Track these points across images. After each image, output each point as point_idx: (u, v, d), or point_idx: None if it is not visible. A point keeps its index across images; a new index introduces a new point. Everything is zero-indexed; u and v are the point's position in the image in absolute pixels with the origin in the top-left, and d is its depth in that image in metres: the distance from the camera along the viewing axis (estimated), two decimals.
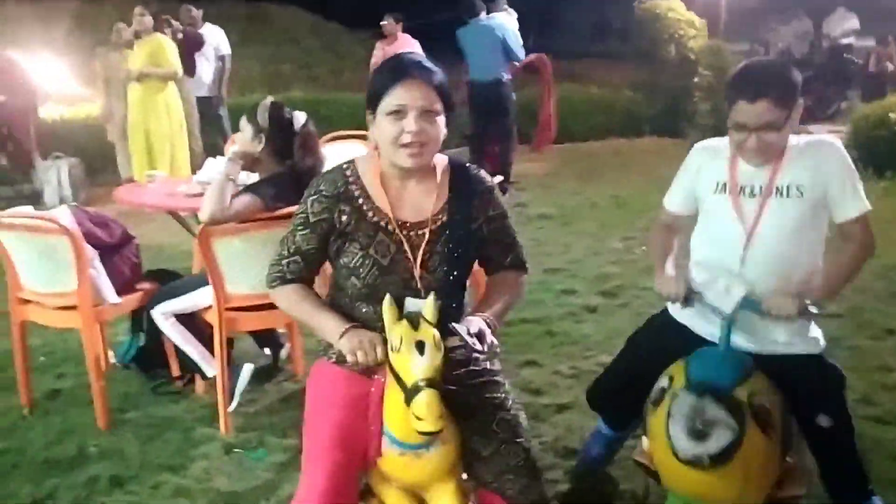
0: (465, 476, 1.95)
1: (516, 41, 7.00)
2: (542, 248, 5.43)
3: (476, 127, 7.33)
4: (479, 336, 1.66)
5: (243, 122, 2.94)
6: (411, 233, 1.80)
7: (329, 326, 1.77)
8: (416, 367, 1.63)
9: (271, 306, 2.97)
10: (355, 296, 1.82)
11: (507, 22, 7.12)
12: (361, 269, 1.78)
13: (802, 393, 2.05)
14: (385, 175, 1.81)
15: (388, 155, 1.76)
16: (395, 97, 1.71)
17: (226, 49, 7.76)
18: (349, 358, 1.68)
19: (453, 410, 1.78)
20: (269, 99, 3.01)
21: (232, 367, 3.17)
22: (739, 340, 2.07)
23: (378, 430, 1.77)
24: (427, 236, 1.79)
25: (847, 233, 2.08)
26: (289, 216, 2.82)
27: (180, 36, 7.16)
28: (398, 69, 1.74)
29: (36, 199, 6.87)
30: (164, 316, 3.03)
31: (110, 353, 3.58)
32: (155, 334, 3.19)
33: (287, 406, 3.16)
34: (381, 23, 7.81)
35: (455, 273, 1.82)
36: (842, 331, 3.74)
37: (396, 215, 1.79)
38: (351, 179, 1.81)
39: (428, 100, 1.71)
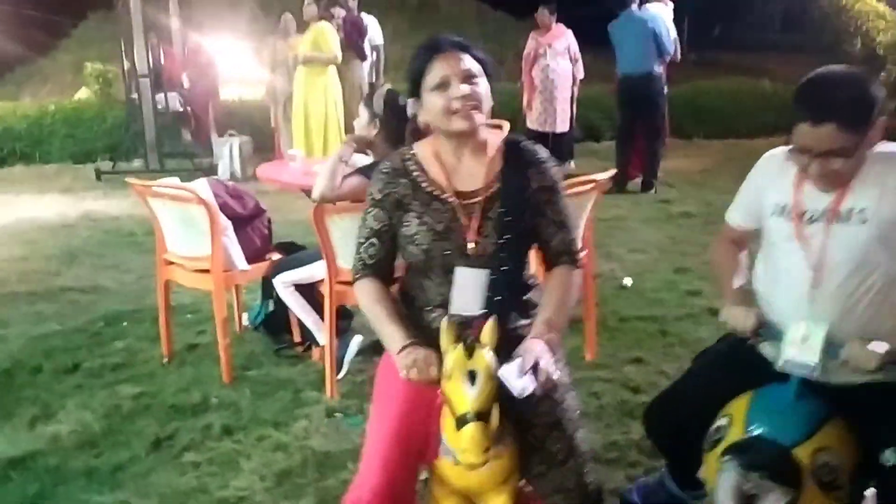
0: (523, 483, 2.00)
1: (667, 34, 6.78)
2: (678, 246, 5.27)
3: (623, 121, 7.18)
4: (536, 368, 1.65)
5: (361, 107, 3.11)
6: (465, 201, 1.85)
7: (392, 338, 1.80)
8: (465, 398, 1.64)
9: None
10: (415, 267, 1.90)
11: (661, 13, 6.91)
12: (417, 236, 1.85)
13: (871, 425, 1.80)
14: (440, 152, 1.89)
15: (443, 126, 1.83)
16: (436, 71, 1.80)
17: (379, 39, 8.09)
18: (402, 374, 1.71)
19: (510, 421, 1.80)
20: (386, 86, 3.17)
21: (343, 338, 3.39)
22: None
23: (437, 431, 1.81)
24: (481, 203, 1.84)
25: None
26: None
27: (341, 23, 7.54)
28: (432, 46, 1.83)
29: (212, 172, 7.54)
30: (283, 285, 3.28)
31: (244, 316, 3.93)
32: (282, 302, 3.47)
33: None
34: (536, 13, 7.81)
35: (508, 239, 1.85)
36: None
37: (451, 184, 1.87)
38: (408, 157, 1.92)
39: (466, 65, 1.79)
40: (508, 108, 9.46)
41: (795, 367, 1.81)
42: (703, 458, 1.94)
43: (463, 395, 1.66)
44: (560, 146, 8.06)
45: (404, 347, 1.75)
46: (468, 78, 1.79)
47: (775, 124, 9.80)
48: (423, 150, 1.93)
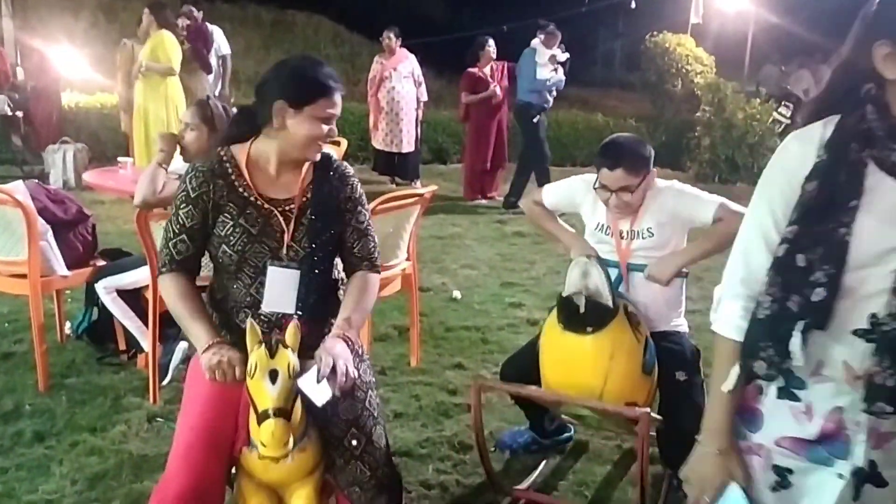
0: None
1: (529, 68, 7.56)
2: (507, 263, 5.61)
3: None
4: (334, 370, 1.81)
5: (193, 118, 3.15)
6: (278, 208, 1.97)
7: (199, 336, 1.86)
8: (266, 395, 1.75)
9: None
10: (225, 268, 1.97)
11: (537, 48, 7.60)
12: (232, 238, 1.93)
13: (665, 355, 2.47)
14: (260, 159, 1.99)
15: (297, 150, 1.95)
16: (330, 105, 1.93)
17: (225, 49, 8.01)
18: (207, 375, 1.80)
19: (313, 417, 1.93)
20: (214, 98, 3.25)
21: (168, 345, 3.40)
22: None
23: (245, 425, 1.89)
24: (294, 210, 1.97)
25: (720, 219, 2.45)
26: None
27: (184, 33, 7.43)
28: (335, 81, 1.95)
29: (43, 180, 7.17)
30: (106, 290, 3.26)
31: (67, 325, 3.83)
32: (106, 309, 3.43)
33: None
34: (381, 38, 8.07)
35: (318, 244, 1.99)
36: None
37: (267, 194, 1.97)
38: (225, 159, 1.98)
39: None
40: (357, 127, 9.70)
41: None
42: (542, 328, 2.53)
43: (264, 393, 1.76)
44: (406, 166, 8.34)
45: (209, 346, 1.83)
46: (332, 123, 1.96)
47: None
48: (239, 154, 1.99)
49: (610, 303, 2.29)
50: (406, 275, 3.60)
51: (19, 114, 8.07)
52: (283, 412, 1.75)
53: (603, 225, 2.62)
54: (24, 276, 3.18)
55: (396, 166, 8.34)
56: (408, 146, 8.15)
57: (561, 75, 7.57)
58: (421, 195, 3.41)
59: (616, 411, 2.29)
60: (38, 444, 2.83)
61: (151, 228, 3.00)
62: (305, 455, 1.93)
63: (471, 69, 7.63)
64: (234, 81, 9.17)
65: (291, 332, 1.84)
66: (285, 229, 1.96)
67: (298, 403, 1.87)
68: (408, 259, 3.58)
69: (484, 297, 4.79)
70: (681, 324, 2.66)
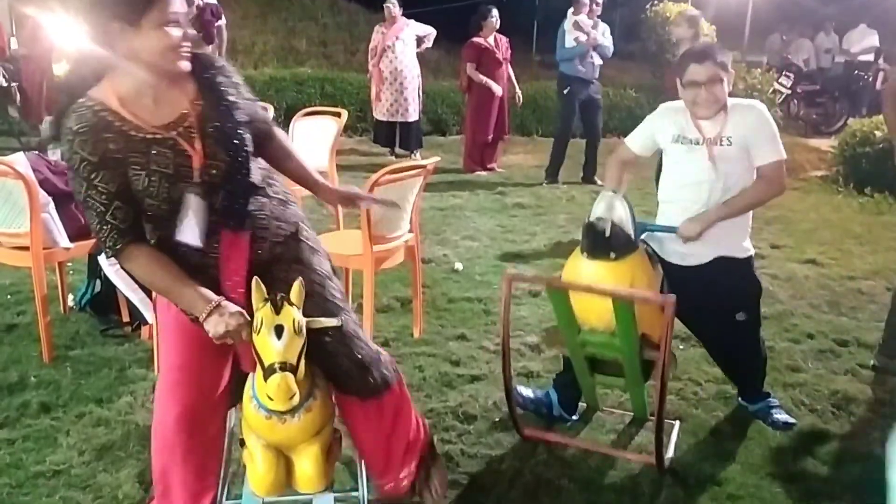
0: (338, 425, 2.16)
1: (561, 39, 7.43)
2: (508, 234, 5.61)
3: None
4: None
5: None
6: (176, 130, 1.80)
7: (193, 302, 1.81)
8: (272, 350, 1.79)
9: None
10: (158, 217, 1.82)
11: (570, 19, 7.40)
12: (151, 188, 1.77)
13: (730, 293, 2.75)
14: (131, 93, 1.78)
15: (160, 63, 1.75)
16: (169, 5, 1.72)
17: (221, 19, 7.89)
18: (215, 340, 1.80)
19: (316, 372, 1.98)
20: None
21: None
22: (692, 257, 2.75)
23: (231, 373, 1.95)
24: (195, 126, 1.80)
25: (761, 175, 2.68)
26: None
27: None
28: None
29: (42, 150, 7.12)
30: (109, 262, 3.25)
31: (70, 297, 3.83)
32: (109, 281, 3.42)
33: None
34: (385, 4, 7.99)
35: (235, 147, 1.85)
36: (763, 331, 3.87)
37: (159, 121, 1.79)
38: (98, 109, 1.74)
39: (187, 6, 1.82)
40: (356, 98, 9.64)
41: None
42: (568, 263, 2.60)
43: (270, 348, 1.81)
44: (409, 135, 8.31)
45: (212, 311, 1.81)
46: (184, 22, 1.77)
47: (608, 126, 10.51)
48: (108, 98, 1.76)
49: (632, 233, 2.42)
50: (409, 247, 3.59)
51: (14, 84, 8.00)
52: (289, 366, 1.80)
53: (683, 137, 2.74)
54: (26, 248, 3.18)
55: (399, 137, 8.31)
56: (413, 115, 8.13)
57: (594, 42, 7.23)
58: (423, 167, 3.39)
59: (642, 296, 2.42)
60: (44, 416, 2.85)
61: None
62: (311, 415, 1.97)
63: (475, 39, 7.56)
64: (230, 51, 9.10)
65: (296, 290, 1.87)
66: (192, 149, 1.79)
67: (303, 361, 1.90)
68: (410, 231, 3.58)
69: (485, 269, 4.79)
70: (748, 248, 2.81)
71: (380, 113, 8.22)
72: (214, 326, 1.81)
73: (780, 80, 10.94)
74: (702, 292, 2.65)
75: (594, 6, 7.34)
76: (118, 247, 1.80)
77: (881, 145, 6.98)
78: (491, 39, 7.59)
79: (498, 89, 7.58)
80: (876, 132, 7.16)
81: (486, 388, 3.22)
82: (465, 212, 6.23)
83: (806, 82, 11.62)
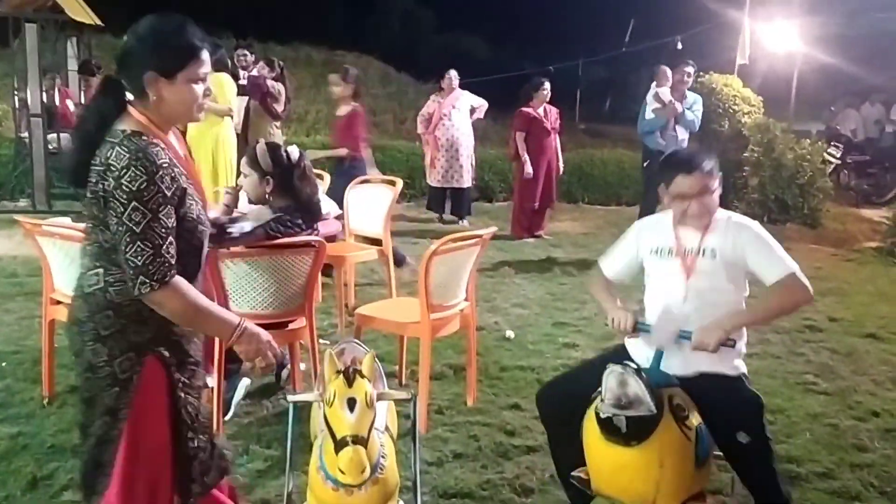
0: None
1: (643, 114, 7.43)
2: (557, 302, 5.59)
3: None
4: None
5: (246, 167, 3.28)
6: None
7: (223, 325, 1.91)
8: (345, 423, 1.84)
9: (271, 326, 3.30)
10: (195, 250, 1.96)
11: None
12: (202, 216, 1.96)
13: (723, 410, 2.38)
14: (160, 133, 1.92)
15: (188, 114, 1.95)
16: (201, 65, 1.91)
17: None
18: (246, 364, 1.92)
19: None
20: (262, 141, 3.37)
21: (231, 380, 3.46)
22: (672, 368, 2.43)
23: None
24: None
25: (780, 287, 2.41)
26: (291, 245, 3.16)
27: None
28: (200, 39, 1.92)
29: None
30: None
31: None
32: None
33: (278, 421, 3.41)
34: (445, 77, 8.26)
35: None
36: (826, 407, 3.79)
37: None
38: (151, 141, 1.85)
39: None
40: (405, 165, 9.84)
41: (654, 341, 2.44)
42: (585, 423, 2.32)
43: (343, 421, 1.83)
44: (461, 201, 8.47)
45: (242, 333, 1.89)
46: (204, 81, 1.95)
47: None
48: (148, 132, 1.87)
49: (653, 407, 2.11)
50: (465, 314, 3.61)
51: None
52: (361, 440, 1.82)
53: (664, 249, 2.54)
54: None
55: (451, 202, 8.49)
56: (466, 181, 8.36)
57: (674, 114, 7.16)
58: (481, 236, 3.44)
59: None
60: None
61: (220, 267, 3.08)
62: (378, 487, 1.97)
63: (525, 108, 7.71)
64: (287, 119, 9.40)
65: (368, 363, 1.90)
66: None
67: (374, 434, 1.92)
68: (466, 299, 3.61)
69: (537, 337, 4.77)
70: (739, 365, 2.50)
71: (433, 179, 8.43)
72: (246, 347, 1.90)
73: (828, 151, 10.87)
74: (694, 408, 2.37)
75: (685, 77, 7.27)
76: (167, 280, 1.80)
77: None
78: (541, 110, 7.73)
79: (529, 171, 7.63)
80: None
81: (542, 459, 3.17)
82: (514, 279, 6.25)
83: (856, 152, 11.54)
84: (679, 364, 2.44)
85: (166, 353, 1.89)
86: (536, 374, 4.14)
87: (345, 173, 5.61)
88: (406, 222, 8.49)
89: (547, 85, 7.71)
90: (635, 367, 2.16)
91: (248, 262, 3.10)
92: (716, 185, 2.45)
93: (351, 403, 1.85)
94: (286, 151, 3.37)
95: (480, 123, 8.73)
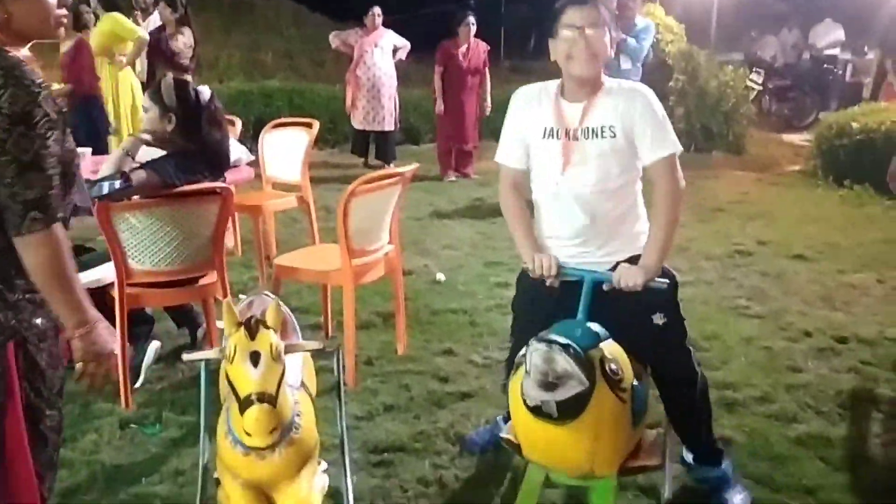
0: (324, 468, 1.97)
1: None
2: (489, 241, 5.45)
3: None
4: None
5: (147, 101, 2.95)
6: None
7: (77, 309, 1.57)
8: (249, 379, 1.64)
9: (178, 283, 3.05)
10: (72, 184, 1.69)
11: None
12: (74, 146, 1.66)
13: (638, 293, 2.09)
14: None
15: (39, 31, 1.65)
16: None
17: None
18: (76, 370, 1.59)
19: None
20: (170, 76, 3.03)
21: (139, 345, 3.20)
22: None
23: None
24: None
25: (652, 177, 2.16)
26: (194, 193, 2.89)
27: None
28: None
29: None
30: None
31: None
32: None
33: (193, 384, 3.16)
34: (368, 15, 7.86)
35: None
36: (759, 331, 3.77)
37: None
38: (23, 63, 1.58)
39: None
40: (327, 109, 9.45)
41: (587, 270, 2.13)
42: (509, 386, 2.07)
43: (246, 377, 1.64)
44: (386, 145, 8.16)
45: (89, 324, 1.59)
46: None
47: None
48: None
49: (584, 380, 1.84)
50: (389, 258, 3.41)
51: None
52: (268, 397, 1.63)
53: (553, 129, 2.17)
54: None
55: (376, 147, 8.16)
56: (389, 124, 7.99)
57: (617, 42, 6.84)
58: (401, 174, 3.22)
59: None
60: None
61: (114, 221, 2.79)
62: (294, 449, 1.80)
63: (445, 43, 7.43)
64: (196, 65, 8.86)
65: (272, 312, 1.71)
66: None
67: (286, 389, 1.74)
68: (390, 242, 3.40)
69: (468, 278, 4.62)
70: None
71: (356, 121, 8.07)
72: (87, 347, 1.57)
73: (750, 77, 10.93)
74: (612, 303, 2.11)
75: (630, 3, 6.49)
76: (57, 218, 1.55)
77: (858, 137, 6.95)
78: (464, 47, 7.43)
79: (440, 107, 7.44)
80: (853, 124, 7.12)
81: (477, 405, 3.04)
82: (443, 220, 6.07)
83: (776, 78, 11.65)
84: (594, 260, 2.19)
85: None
86: (469, 315, 4.00)
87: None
88: (330, 169, 8.16)
89: (471, 19, 7.39)
90: (562, 342, 1.85)
91: (147, 215, 2.81)
92: (608, 21, 2.13)
93: (254, 358, 1.65)
94: (195, 90, 3.05)
95: (402, 63, 8.38)
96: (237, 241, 4.93)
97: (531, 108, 2.23)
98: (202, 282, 3.07)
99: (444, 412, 3.01)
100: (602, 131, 2.12)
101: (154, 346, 3.26)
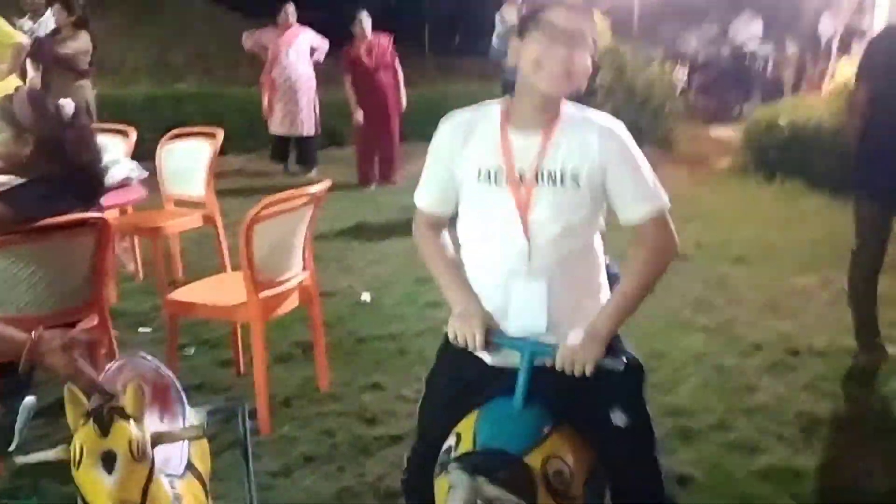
0: None
1: None
2: (418, 256, 5.08)
3: None
4: None
5: None
6: None
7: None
8: (102, 487, 1.26)
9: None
10: None
11: None
12: None
13: (590, 384, 1.61)
14: None
15: None
16: None
17: (50, 27, 6.99)
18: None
19: None
20: (24, 88, 2.56)
21: (8, 404, 2.72)
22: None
23: None
24: None
25: (642, 238, 1.70)
26: (60, 226, 2.44)
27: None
28: None
29: None
30: None
31: None
32: None
33: None
34: (280, 13, 7.42)
35: None
36: (708, 347, 3.54)
37: None
38: None
39: None
40: (239, 114, 8.91)
41: (527, 341, 1.65)
42: (435, 484, 1.66)
43: (98, 486, 1.26)
44: (306, 151, 7.74)
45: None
46: None
47: None
48: None
49: (519, 501, 1.45)
50: (304, 287, 3.03)
51: None
52: None
53: (493, 170, 1.68)
54: None
55: (297, 152, 7.71)
56: (308, 129, 7.54)
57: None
58: (312, 194, 2.84)
59: None
60: None
61: None
62: None
63: (346, 47, 7.09)
64: (98, 70, 8.19)
65: (131, 396, 1.32)
66: None
67: (160, 485, 1.36)
68: (305, 268, 3.02)
69: (397, 298, 4.26)
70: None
71: (273, 126, 7.60)
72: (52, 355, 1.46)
73: (675, 73, 10.90)
74: (558, 381, 1.65)
75: None
76: None
77: (787, 132, 6.89)
78: (364, 47, 7.04)
79: (358, 118, 7.09)
80: (780, 118, 7.07)
81: (408, 450, 2.69)
82: (369, 233, 5.68)
83: (699, 73, 11.70)
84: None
85: None
86: (398, 342, 3.66)
87: None
88: (246, 178, 7.68)
89: (363, 19, 7.00)
90: (490, 460, 1.47)
91: (2, 255, 2.35)
92: (596, 39, 1.66)
93: (108, 459, 1.26)
94: (56, 105, 2.57)
95: (326, 62, 7.95)
96: (138, 265, 4.45)
97: (463, 140, 1.72)
98: (80, 326, 2.61)
99: (371, 462, 2.66)
100: (563, 178, 1.64)
101: (29, 401, 2.78)
